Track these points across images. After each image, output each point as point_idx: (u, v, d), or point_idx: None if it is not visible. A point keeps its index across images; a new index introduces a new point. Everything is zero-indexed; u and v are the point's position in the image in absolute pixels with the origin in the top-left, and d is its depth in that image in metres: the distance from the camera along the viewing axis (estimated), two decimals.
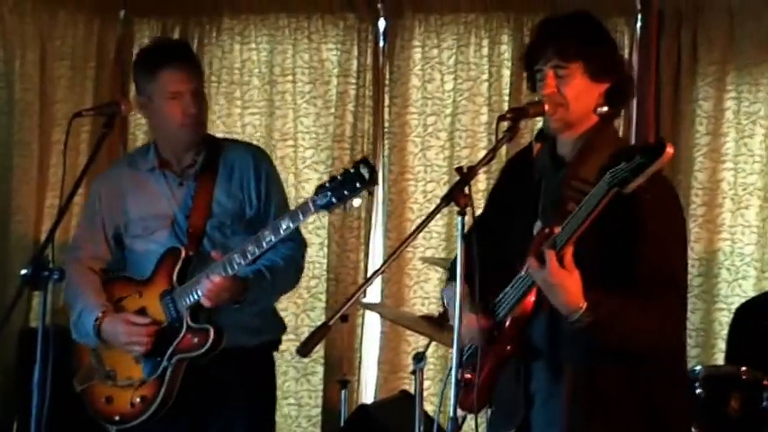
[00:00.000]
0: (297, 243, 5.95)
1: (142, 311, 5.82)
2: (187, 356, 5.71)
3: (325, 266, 7.73)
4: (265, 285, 5.82)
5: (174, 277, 5.77)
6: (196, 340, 5.69)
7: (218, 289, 5.57)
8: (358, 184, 5.25)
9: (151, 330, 5.75)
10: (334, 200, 5.29)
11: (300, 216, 5.44)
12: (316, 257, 7.67)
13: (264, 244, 5.49)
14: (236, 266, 5.53)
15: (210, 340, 5.67)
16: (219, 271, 5.55)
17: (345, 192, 5.27)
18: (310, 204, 5.36)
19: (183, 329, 5.72)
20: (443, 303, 5.23)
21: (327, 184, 5.34)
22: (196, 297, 5.65)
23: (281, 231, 5.46)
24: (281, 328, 6.19)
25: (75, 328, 5.91)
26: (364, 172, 5.25)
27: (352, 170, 5.29)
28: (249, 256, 5.53)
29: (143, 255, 5.93)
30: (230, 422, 5.93)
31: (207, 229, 5.88)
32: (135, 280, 5.91)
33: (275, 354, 6.17)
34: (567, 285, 4.45)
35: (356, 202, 5.34)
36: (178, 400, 5.80)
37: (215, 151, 5.99)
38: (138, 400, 5.81)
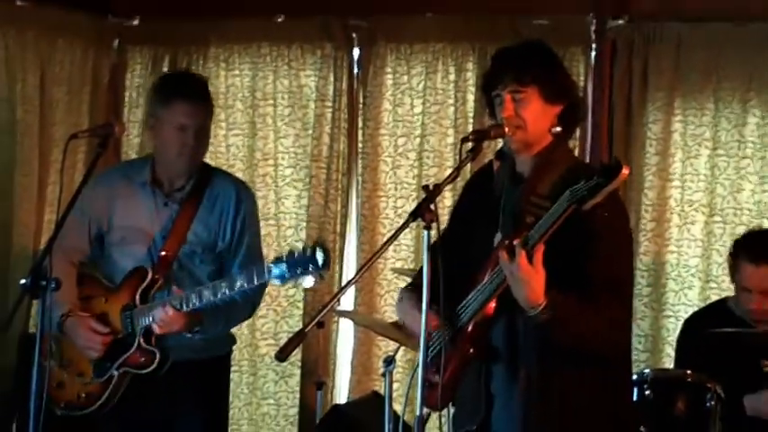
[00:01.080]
0: (255, 290, 5.91)
1: (103, 316, 5.89)
2: (132, 371, 5.80)
3: None
4: (219, 320, 5.90)
5: (137, 296, 5.83)
6: (143, 360, 5.78)
7: (171, 321, 5.65)
8: (311, 267, 5.32)
9: (107, 340, 5.83)
10: (287, 274, 5.36)
11: (255, 279, 5.49)
12: None
13: (219, 294, 5.56)
14: (191, 305, 5.59)
15: (156, 363, 5.77)
16: (175, 304, 5.62)
17: (298, 270, 5.33)
18: (266, 273, 5.43)
19: (134, 347, 5.79)
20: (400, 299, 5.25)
21: (285, 258, 5.40)
22: (150, 321, 5.70)
23: (236, 287, 5.52)
24: (231, 342, 6.26)
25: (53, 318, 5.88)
26: (319, 257, 5.31)
27: (308, 252, 5.34)
28: (204, 300, 5.59)
29: (116, 263, 6.00)
30: (183, 421, 6.00)
31: (179, 255, 5.92)
32: (104, 285, 6.00)
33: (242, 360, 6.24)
34: (532, 282, 4.50)
35: (307, 282, 5.43)
36: (129, 402, 5.89)
37: (204, 180, 6.02)
38: (83, 395, 5.93)
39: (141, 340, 5.78)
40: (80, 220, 6.00)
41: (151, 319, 5.71)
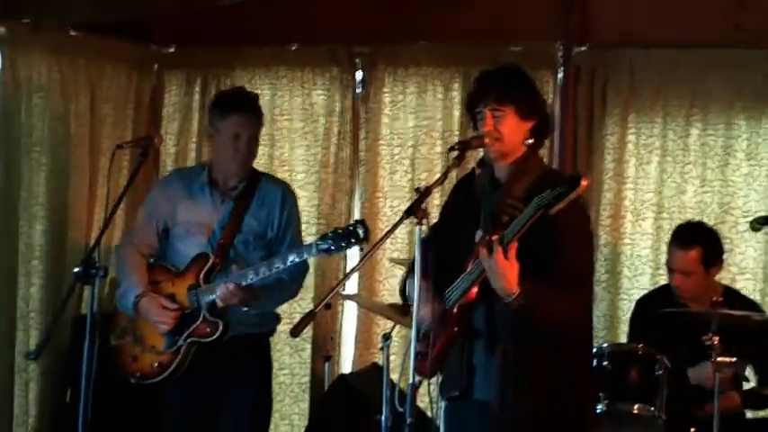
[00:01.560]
0: (303, 265, 6.03)
1: (171, 297, 5.95)
2: (198, 341, 5.87)
3: (313, 265, 7.67)
4: (273, 296, 6.00)
5: (201, 277, 5.91)
6: (208, 330, 5.86)
7: (231, 295, 5.74)
8: (353, 240, 5.52)
9: (176, 315, 5.90)
10: (333, 248, 5.54)
11: (305, 254, 5.69)
12: None
13: (273, 269, 5.69)
14: (248, 280, 5.70)
15: (219, 332, 5.86)
16: (235, 281, 5.71)
17: (342, 244, 5.52)
18: (314, 247, 5.61)
19: (200, 319, 5.87)
20: (404, 294, 5.28)
21: (330, 234, 5.62)
22: (213, 297, 5.77)
23: (288, 262, 5.67)
24: (276, 321, 6.28)
25: (119, 300, 6.08)
26: (360, 231, 5.52)
27: (351, 227, 5.57)
28: (260, 275, 5.69)
29: (181, 252, 6.07)
30: (238, 390, 6.01)
31: (235, 243, 6.00)
32: (171, 270, 6.06)
33: (271, 338, 6.30)
34: (507, 274, 4.61)
35: (352, 251, 5.77)
36: (194, 370, 5.92)
37: (254, 181, 6.14)
38: (156, 365, 5.98)
39: (206, 313, 5.87)
40: (148, 220, 6.19)
41: (214, 294, 5.80)
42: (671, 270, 6.48)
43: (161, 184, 6.54)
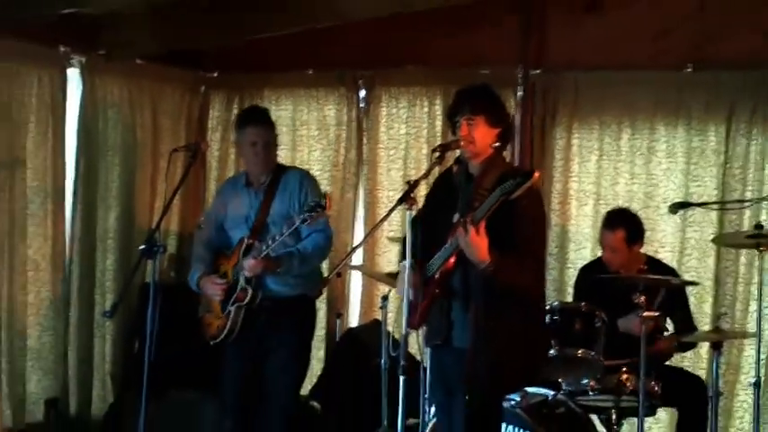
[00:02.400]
0: (325, 234, 6.05)
1: (224, 274, 5.99)
2: (239, 305, 5.88)
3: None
4: (293, 264, 5.91)
5: (240, 255, 5.91)
6: (242, 295, 5.85)
7: (253, 266, 5.77)
8: (318, 209, 5.57)
9: (224, 287, 5.93)
10: (306, 218, 5.57)
11: (291, 226, 5.68)
12: None
13: (277, 239, 5.73)
14: (262, 252, 5.74)
15: (249, 296, 5.87)
16: (254, 254, 5.76)
17: (312, 214, 5.54)
18: (296, 220, 5.63)
19: (239, 288, 5.86)
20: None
21: (305, 208, 5.64)
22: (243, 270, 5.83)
23: (284, 232, 5.71)
24: (316, 284, 6.13)
25: (190, 282, 6.11)
26: (321, 202, 5.60)
27: (315, 201, 5.65)
28: (268, 247, 5.74)
29: (233, 239, 6.10)
30: (279, 345, 5.99)
31: (267, 223, 5.99)
32: (225, 254, 6.08)
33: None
34: (479, 246, 4.69)
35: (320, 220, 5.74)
36: (245, 329, 5.94)
37: (278, 174, 6.12)
38: (218, 327, 5.97)
39: (243, 283, 5.89)
40: (209, 221, 6.31)
41: (243, 268, 5.84)
42: (601, 246, 6.51)
43: (217, 193, 6.61)
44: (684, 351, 6.59)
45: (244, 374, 6.09)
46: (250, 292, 5.89)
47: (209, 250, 6.16)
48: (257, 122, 6.14)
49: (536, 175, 4.61)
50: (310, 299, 6.14)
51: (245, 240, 5.95)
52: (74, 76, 7.20)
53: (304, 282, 6.03)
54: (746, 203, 6.78)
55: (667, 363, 6.48)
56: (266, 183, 6.10)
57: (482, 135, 4.97)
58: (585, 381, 6.00)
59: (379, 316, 6.75)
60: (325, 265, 7.34)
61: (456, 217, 4.93)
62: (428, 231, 4.99)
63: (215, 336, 6.02)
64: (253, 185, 6.13)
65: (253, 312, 5.92)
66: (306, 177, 6.24)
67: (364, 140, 7.85)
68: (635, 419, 5.88)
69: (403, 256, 5.02)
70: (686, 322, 6.45)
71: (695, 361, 6.84)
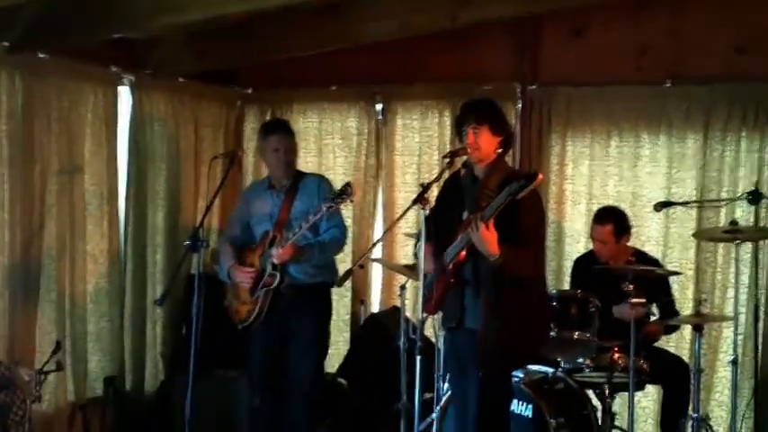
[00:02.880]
0: (341, 228, 6.10)
1: (252, 264, 5.98)
2: (268, 289, 5.89)
3: (351, 238, 7.63)
4: (314, 253, 5.94)
5: (266, 246, 5.92)
6: (270, 279, 5.86)
7: (281, 254, 5.78)
8: (344, 197, 5.64)
9: (253, 275, 5.96)
10: (332, 205, 5.63)
11: (317, 213, 5.72)
12: (348, 232, 7.56)
13: (303, 227, 5.77)
14: (288, 240, 5.76)
15: (277, 280, 5.88)
16: (282, 244, 5.77)
17: (337, 201, 5.63)
18: (321, 205, 5.68)
19: (267, 274, 5.86)
20: (416, 255, 5.25)
21: (330, 196, 5.74)
22: (272, 257, 5.85)
23: (310, 221, 5.74)
24: (333, 275, 6.19)
25: (220, 273, 6.14)
26: (348, 190, 5.64)
27: (342, 189, 5.68)
28: (294, 236, 5.78)
29: (257, 234, 6.11)
30: (300, 328, 6.02)
31: (289, 220, 5.99)
32: (251, 248, 6.07)
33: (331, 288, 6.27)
34: (489, 240, 4.67)
35: (345, 204, 5.85)
36: (270, 313, 5.93)
37: (298, 178, 6.14)
38: (247, 311, 5.97)
39: (270, 269, 5.89)
40: (235, 221, 6.33)
41: (273, 254, 5.82)
42: (592, 239, 6.46)
43: (243, 196, 6.60)
44: (669, 333, 6.55)
45: (270, 356, 6.14)
46: (278, 276, 5.91)
47: (235, 246, 6.17)
48: (278, 131, 6.21)
49: (540, 177, 4.64)
50: (327, 286, 6.17)
51: (271, 233, 5.98)
52: (124, 92, 7.16)
53: (321, 271, 6.08)
54: (722, 203, 6.75)
55: (654, 344, 6.44)
56: (287, 186, 6.14)
57: (486, 142, 4.99)
58: (581, 359, 5.99)
59: (397, 303, 6.69)
60: (349, 259, 7.41)
61: (465, 215, 4.92)
62: (439, 227, 4.98)
63: (244, 320, 6.04)
64: (275, 188, 6.17)
65: (277, 297, 5.95)
66: (323, 180, 6.32)
67: (382, 148, 7.76)
68: (626, 394, 5.85)
69: (415, 255, 5.05)
70: (669, 308, 6.41)
71: (679, 342, 6.79)
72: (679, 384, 6.15)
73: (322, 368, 6.37)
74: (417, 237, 5.17)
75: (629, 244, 6.44)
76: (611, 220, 6.33)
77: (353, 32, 6.96)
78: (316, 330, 6.14)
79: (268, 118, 7.98)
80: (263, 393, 6.20)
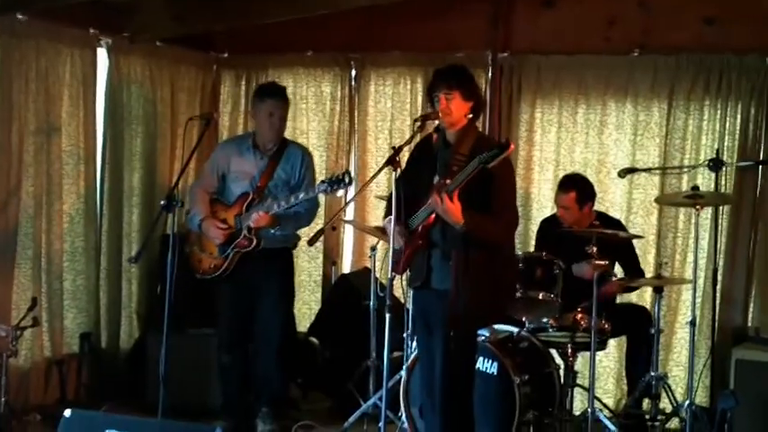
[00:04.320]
0: (315, 201, 6.14)
1: (224, 221, 6.00)
2: (240, 251, 5.94)
3: (324, 201, 7.59)
4: (290, 223, 6.02)
5: (244, 208, 5.95)
6: (246, 243, 5.91)
7: (260, 219, 5.82)
8: (342, 185, 5.63)
9: (226, 232, 5.97)
10: (328, 189, 5.66)
11: (310, 193, 5.79)
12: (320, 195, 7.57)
13: (290, 201, 5.82)
14: (274, 209, 5.81)
15: (253, 244, 5.93)
16: (264, 210, 5.80)
17: (335, 187, 5.63)
18: (316, 188, 5.71)
19: (242, 236, 5.91)
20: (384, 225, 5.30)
21: (326, 179, 5.70)
22: (250, 220, 5.86)
23: (300, 198, 5.79)
24: (296, 238, 6.31)
25: (189, 221, 6.18)
26: (347, 179, 5.61)
27: (341, 176, 5.65)
28: (281, 207, 5.82)
29: (232, 191, 6.13)
30: (269, 284, 6.10)
31: (268, 186, 6.04)
32: (224, 204, 6.10)
33: (293, 251, 6.39)
34: (453, 212, 4.69)
35: (339, 193, 6.07)
36: (236, 272, 6.01)
37: (283, 145, 6.17)
38: (212, 266, 6.07)
39: (246, 232, 5.92)
40: (212, 169, 6.25)
41: (251, 218, 5.84)
42: (556, 205, 6.53)
43: (220, 147, 6.55)
44: (631, 291, 6.65)
45: (238, 315, 6.21)
46: (254, 240, 5.94)
47: (209, 196, 6.18)
48: (277, 96, 6.21)
49: (511, 146, 4.66)
50: (290, 250, 6.28)
51: (251, 195, 6.00)
52: (102, 55, 7.12)
53: (287, 238, 6.17)
54: (685, 169, 6.81)
55: (618, 301, 6.56)
56: (272, 150, 6.14)
57: (458, 107, 5.01)
58: (545, 319, 6.08)
59: (368, 263, 6.76)
60: (321, 221, 7.42)
61: (436, 179, 4.96)
62: (410, 190, 5.00)
63: (207, 272, 6.10)
64: (259, 149, 6.16)
65: (245, 257, 5.98)
66: (307, 154, 6.32)
67: (355, 113, 7.76)
68: (588, 353, 5.91)
69: (389, 212, 5.05)
70: (634, 268, 6.50)
71: (640, 303, 6.83)
72: (642, 334, 6.23)
73: (290, 321, 6.55)
74: (388, 199, 5.19)
75: (594, 208, 6.51)
76: (575, 188, 6.39)
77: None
78: (282, 288, 6.24)
79: (243, 82, 7.99)
80: (232, 351, 6.27)
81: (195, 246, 6.19)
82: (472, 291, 4.86)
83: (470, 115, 5.05)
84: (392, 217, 4.90)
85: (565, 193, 6.38)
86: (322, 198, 7.57)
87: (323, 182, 5.75)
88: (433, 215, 4.91)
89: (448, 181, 4.75)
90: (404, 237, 5.00)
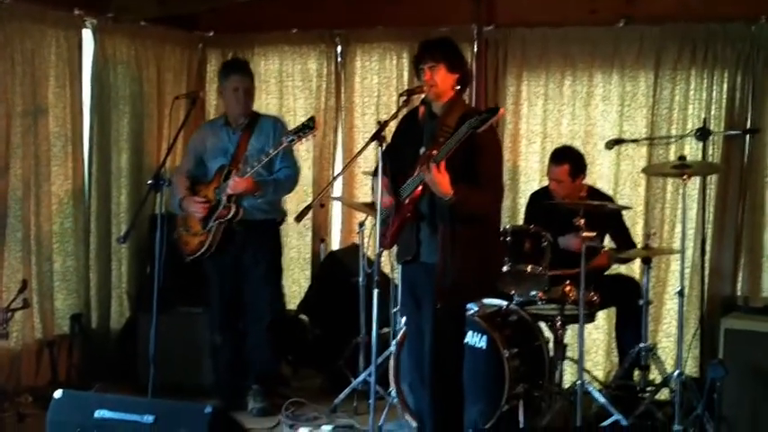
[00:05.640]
0: (294, 169, 6.12)
1: (205, 196, 6.03)
2: (222, 221, 5.94)
3: (311, 177, 7.64)
4: (270, 189, 6.00)
5: (222, 179, 5.97)
6: (225, 212, 5.91)
7: (237, 184, 5.83)
8: (307, 130, 5.64)
9: (206, 206, 6.01)
10: (294, 139, 5.63)
11: (279, 147, 5.76)
12: (307, 172, 7.58)
13: (258, 162, 5.82)
14: (247, 172, 5.83)
15: (233, 212, 5.93)
16: (239, 175, 5.83)
17: (300, 134, 5.62)
18: (284, 139, 5.68)
19: (221, 206, 5.91)
20: (372, 188, 5.24)
21: (291, 130, 5.74)
22: (228, 188, 5.85)
23: (271, 153, 5.79)
24: (282, 213, 6.30)
25: (173, 205, 6.15)
26: (310, 124, 5.62)
27: (305, 122, 5.66)
28: (254, 168, 5.83)
29: (210, 168, 6.15)
30: (255, 262, 6.10)
31: (245, 156, 6.02)
32: (203, 182, 6.11)
33: (282, 227, 6.44)
34: (441, 182, 4.62)
35: (307, 139, 5.79)
36: (223, 250, 6.01)
37: (255, 118, 6.16)
38: (197, 242, 6.03)
39: (225, 201, 5.92)
40: (189, 154, 6.31)
41: (228, 186, 5.84)
42: (549, 178, 6.45)
43: (196, 132, 6.52)
44: (623, 263, 6.61)
45: (227, 294, 6.21)
46: (233, 208, 5.94)
47: (188, 179, 6.18)
48: (240, 71, 6.23)
49: (501, 110, 4.66)
50: (277, 223, 6.28)
51: (227, 167, 6.01)
52: (87, 36, 7.05)
53: (272, 208, 6.16)
54: (672, 139, 6.75)
55: (607, 273, 6.51)
56: (244, 124, 6.16)
57: (443, 79, 4.97)
58: (534, 293, 6.04)
59: (356, 240, 6.71)
60: (309, 199, 7.42)
61: (422, 150, 4.90)
62: (397, 163, 4.97)
63: (194, 251, 6.08)
64: (231, 126, 6.18)
65: (230, 233, 5.98)
66: (279, 121, 6.35)
67: (342, 90, 7.69)
68: (577, 325, 5.85)
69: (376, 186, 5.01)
70: (625, 239, 6.47)
71: (629, 274, 6.79)
72: (631, 305, 6.19)
73: (279, 297, 6.56)
74: (374, 173, 5.12)
75: (584, 182, 6.47)
76: (568, 161, 6.33)
77: None
78: (269, 264, 6.23)
79: None
80: (224, 331, 6.26)
81: (181, 228, 6.17)
82: (459, 264, 4.82)
83: (457, 87, 5.02)
84: (378, 178, 4.86)
85: (558, 166, 6.33)
86: (309, 175, 7.60)
87: (288, 133, 5.77)
88: (420, 187, 4.87)
89: (435, 152, 4.70)
90: (391, 193, 4.97)
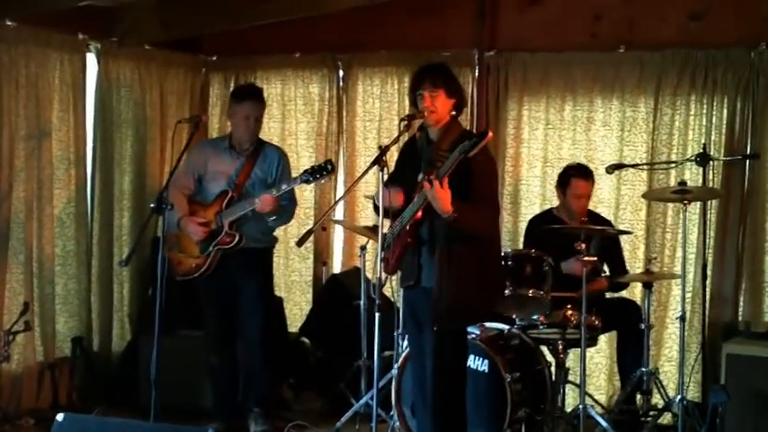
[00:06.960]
0: (294, 202, 6.16)
1: (204, 218, 6.01)
2: (222, 248, 5.91)
3: (313, 200, 7.63)
4: (283, 213, 6.00)
5: (224, 205, 5.95)
6: (228, 239, 5.91)
7: (267, 201, 5.81)
8: (324, 173, 5.68)
9: (206, 230, 5.96)
10: (311, 179, 5.69)
11: (292, 184, 5.80)
12: (309, 195, 7.58)
13: (284, 187, 5.86)
14: (280, 191, 5.84)
15: (236, 240, 5.92)
16: (272, 192, 5.85)
17: (317, 176, 5.69)
18: (299, 178, 5.71)
19: (223, 233, 5.90)
20: (374, 202, 5.24)
21: (309, 169, 5.73)
22: (245, 209, 5.89)
23: (283, 188, 5.78)
24: (274, 241, 6.30)
25: (169, 221, 5.91)
26: (328, 167, 5.66)
27: (322, 164, 5.70)
28: (284, 187, 5.87)
29: (209, 190, 6.11)
30: (248, 283, 6.07)
31: (246, 184, 6.01)
32: (203, 204, 6.07)
33: (284, 250, 6.66)
34: (443, 198, 4.62)
35: (322, 181, 6.05)
36: (219, 270, 5.98)
37: (259, 146, 6.14)
38: (194, 265, 6.01)
39: (227, 228, 5.91)
40: (187, 170, 6.15)
41: (253, 205, 5.85)
42: (574, 196, 6.38)
43: (196, 148, 6.38)
44: (617, 291, 6.55)
45: (221, 313, 6.17)
46: (237, 238, 5.93)
47: (185, 197, 6.14)
48: (255, 99, 6.18)
49: (490, 134, 4.65)
50: (269, 250, 6.26)
51: (230, 193, 5.99)
52: (91, 59, 7.06)
53: (265, 237, 6.16)
54: (672, 164, 6.73)
55: (608, 297, 6.49)
56: (249, 150, 6.12)
57: (442, 105, 4.99)
58: (536, 316, 6.02)
59: (358, 263, 6.69)
60: (311, 222, 7.43)
61: (421, 176, 4.87)
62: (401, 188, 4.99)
63: (187, 273, 6.05)
64: (235, 149, 6.15)
65: (225, 258, 5.96)
66: (284, 154, 6.30)
67: (344, 114, 7.69)
68: (579, 349, 5.84)
69: (377, 210, 5.00)
70: (619, 265, 6.46)
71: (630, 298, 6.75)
72: (632, 328, 6.14)
73: (272, 317, 6.52)
74: (374, 197, 5.16)
75: None
76: (593, 177, 6.40)
77: (317, 1, 6.94)
78: (261, 287, 6.20)
79: (232, 84, 7.91)
80: (220, 351, 6.24)
81: (175, 248, 6.12)
82: (455, 287, 4.81)
83: (453, 112, 5.04)
84: (380, 201, 4.86)
85: (586, 181, 6.35)
86: (311, 198, 7.59)
87: (306, 171, 5.78)
88: (420, 212, 4.86)
89: (432, 176, 4.71)
90: (399, 194, 4.97)
